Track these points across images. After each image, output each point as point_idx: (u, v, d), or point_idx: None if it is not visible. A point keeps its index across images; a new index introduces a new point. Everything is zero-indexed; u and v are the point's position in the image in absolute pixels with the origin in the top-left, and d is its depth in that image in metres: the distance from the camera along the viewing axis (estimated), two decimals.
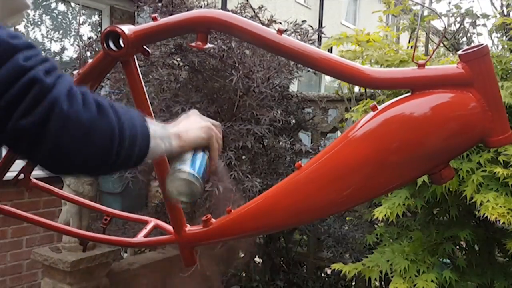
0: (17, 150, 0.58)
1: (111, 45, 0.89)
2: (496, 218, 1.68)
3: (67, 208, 2.81)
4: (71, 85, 0.59)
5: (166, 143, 0.75)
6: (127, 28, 0.87)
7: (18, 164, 1.26)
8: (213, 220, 1.07)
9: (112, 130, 0.61)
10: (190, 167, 0.78)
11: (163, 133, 0.75)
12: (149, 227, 1.30)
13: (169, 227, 1.19)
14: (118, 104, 0.67)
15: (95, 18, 4.05)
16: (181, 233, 1.13)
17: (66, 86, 0.57)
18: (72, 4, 3.87)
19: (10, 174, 1.22)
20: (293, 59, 0.88)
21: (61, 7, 3.88)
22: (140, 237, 1.25)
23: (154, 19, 0.89)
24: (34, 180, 1.31)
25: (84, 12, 3.98)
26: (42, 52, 0.60)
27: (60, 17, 3.87)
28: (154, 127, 0.73)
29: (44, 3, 3.75)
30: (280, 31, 0.83)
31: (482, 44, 0.79)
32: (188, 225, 1.14)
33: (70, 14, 3.94)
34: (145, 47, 0.92)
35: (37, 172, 1.30)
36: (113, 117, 0.62)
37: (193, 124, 0.82)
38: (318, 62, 0.83)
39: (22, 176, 1.27)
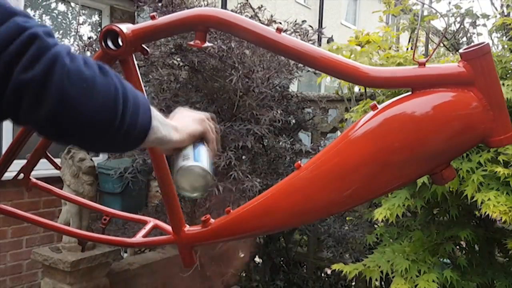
0: (19, 109, 0.55)
1: (110, 44, 0.88)
2: (497, 215, 1.67)
3: (67, 208, 2.80)
4: (71, 49, 0.58)
5: (166, 130, 0.74)
6: (125, 27, 0.86)
7: (18, 164, 1.26)
8: (212, 220, 1.06)
9: (116, 90, 0.60)
10: (197, 161, 0.78)
11: (163, 120, 0.74)
12: (148, 227, 1.30)
13: (168, 227, 1.19)
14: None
15: (95, 18, 4.04)
16: (180, 233, 1.12)
17: (66, 48, 0.57)
18: (72, 4, 3.86)
19: (9, 174, 1.22)
20: (292, 57, 0.87)
21: (61, 7, 3.88)
22: (138, 237, 1.24)
23: (153, 17, 0.89)
24: (34, 180, 1.31)
25: (84, 12, 3.98)
26: None
27: (60, 17, 3.87)
28: (155, 110, 0.72)
29: (44, 3, 3.75)
30: (279, 30, 0.83)
31: (484, 43, 0.79)
32: (187, 225, 1.14)
33: (70, 14, 3.94)
34: (144, 46, 0.92)
35: (36, 172, 1.30)
36: (116, 80, 0.61)
37: (187, 118, 0.82)
38: (317, 61, 0.83)
39: (21, 175, 1.27)
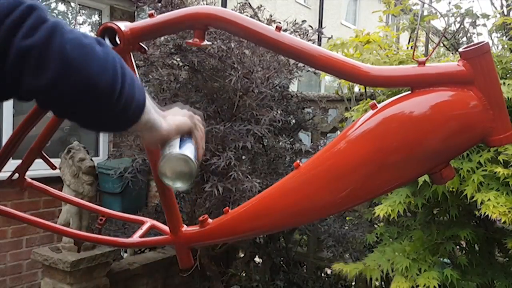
0: (22, 78, 0.55)
1: (107, 41, 0.88)
2: (497, 216, 1.67)
3: (67, 208, 2.80)
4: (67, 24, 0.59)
5: (156, 116, 0.74)
6: (123, 25, 0.86)
7: (13, 164, 1.25)
8: (210, 220, 1.06)
9: (114, 59, 0.60)
10: (181, 148, 0.77)
11: (154, 106, 0.74)
12: (145, 227, 1.29)
13: (165, 228, 1.18)
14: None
15: (95, 18, 4.05)
16: (177, 234, 1.12)
17: (64, 21, 0.58)
18: (72, 4, 3.86)
19: (3, 174, 1.20)
20: (291, 56, 0.87)
21: (61, 7, 3.88)
22: (135, 238, 1.24)
23: (151, 15, 0.88)
24: (29, 180, 1.30)
25: (84, 12, 3.98)
26: None
27: (60, 17, 3.87)
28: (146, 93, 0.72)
29: (44, 3, 3.75)
30: (278, 28, 0.83)
31: (483, 42, 0.79)
32: (185, 226, 1.13)
33: (70, 14, 3.94)
34: (142, 44, 0.91)
35: (32, 172, 1.29)
36: (113, 52, 0.62)
37: (176, 112, 0.83)
38: (317, 59, 0.83)
39: (16, 175, 1.25)
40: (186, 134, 0.81)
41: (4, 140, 3.35)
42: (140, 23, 0.89)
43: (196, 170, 0.77)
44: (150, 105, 0.71)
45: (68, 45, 0.55)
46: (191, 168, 0.76)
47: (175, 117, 0.80)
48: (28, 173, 1.29)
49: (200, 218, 1.06)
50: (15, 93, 0.58)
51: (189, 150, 0.78)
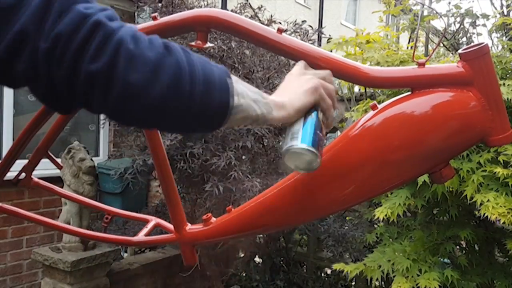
0: (93, 100, 0.56)
1: None
2: (496, 217, 1.68)
3: (68, 208, 2.81)
4: (136, 30, 0.58)
5: (262, 108, 0.68)
6: None
7: (19, 164, 1.26)
8: (213, 219, 1.07)
9: (180, 67, 0.58)
10: (302, 141, 0.70)
11: (257, 98, 0.68)
12: (150, 225, 1.30)
13: (170, 226, 1.19)
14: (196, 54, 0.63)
15: None
16: (181, 232, 1.13)
17: (130, 30, 0.57)
18: None
19: (10, 174, 1.22)
20: (293, 58, 0.87)
21: None
22: (141, 236, 1.25)
23: (154, 18, 0.89)
24: (36, 179, 1.31)
25: None
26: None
27: None
28: (242, 86, 0.66)
29: None
30: (280, 30, 0.83)
31: (483, 43, 0.79)
32: (189, 224, 1.14)
33: None
34: None
35: (38, 172, 1.30)
36: (183, 56, 0.59)
37: (296, 89, 0.74)
38: (317, 61, 0.83)
39: (23, 175, 1.27)
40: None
41: (5, 140, 3.36)
42: (143, 25, 0.90)
43: (317, 159, 0.71)
44: (248, 98, 0.66)
45: (130, 69, 0.55)
46: (311, 162, 0.72)
47: (295, 98, 0.72)
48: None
49: (204, 217, 1.07)
50: (88, 110, 0.59)
51: (310, 136, 0.71)
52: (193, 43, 0.85)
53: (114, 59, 0.54)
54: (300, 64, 0.80)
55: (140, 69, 0.55)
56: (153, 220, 1.33)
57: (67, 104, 0.59)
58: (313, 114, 0.73)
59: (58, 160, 1.35)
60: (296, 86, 0.74)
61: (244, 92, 0.65)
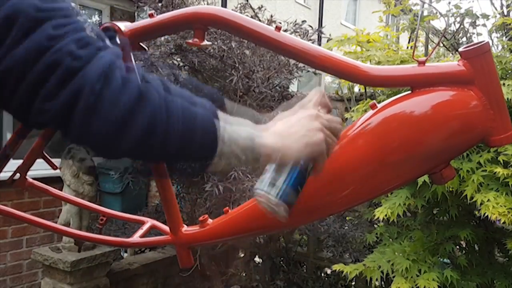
0: (47, 128, 0.54)
1: (107, 42, 0.88)
2: (496, 217, 1.67)
3: (67, 208, 2.80)
4: (111, 61, 0.50)
5: (248, 156, 0.60)
6: (123, 25, 0.86)
7: (14, 163, 1.25)
8: (210, 220, 1.06)
9: (154, 119, 0.51)
10: (276, 194, 0.63)
11: (245, 143, 0.59)
12: (145, 227, 1.29)
13: (166, 227, 1.18)
14: (182, 91, 0.56)
15: (95, 18, 4.04)
16: (177, 233, 1.12)
17: (103, 63, 0.49)
18: (72, 4, 3.86)
19: (5, 174, 1.20)
20: (291, 56, 0.87)
21: None
22: (136, 237, 1.24)
23: (151, 16, 0.88)
24: (30, 180, 1.30)
25: (84, 12, 3.98)
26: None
27: None
28: (232, 131, 0.58)
29: None
30: (278, 28, 0.83)
31: (483, 41, 0.79)
32: (185, 225, 1.14)
33: None
34: (142, 44, 0.91)
35: (33, 172, 1.29)
36: (161, 105, 0.52)
37: (297, 134, 0.62)
38: (317, 59, 0.83)
39: (18, 175, 1.26)
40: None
41: (5, 140, 3.35)
42: (140, 23, 0.89)
43: (283, 214, 0.65)
44: (237, 146, 0.58)
45: (93, 114, 0.48)
46: (280, 213, 0.65)
47: (290, 148, 0.62)
48: (28, 173, 1.29)
49: (200, 218, 1.06)
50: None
51: (284, 187, 0.64)
52: (190, 41, 0.84)
53: (74, 101, 0.47)
54: (315, 101, 0.67)
55: (104, 119, 0.48)
56: (149, 222, 1.32)
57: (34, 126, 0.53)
58: (302, 165, 0.65)
59: (56, 160, 1.34)
60: (298, 128, 0.63)
61: (232, 139, 0.58)
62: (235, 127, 0.60)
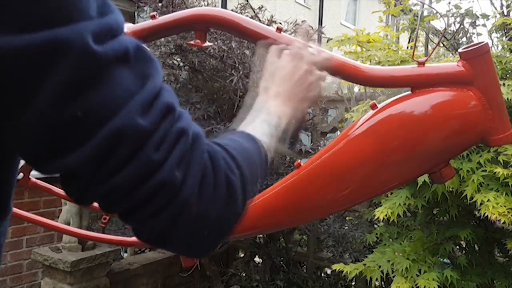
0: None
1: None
2: (496, 217, 1.68)
3: (67, 208, 2.81)
4: (203, 169, 0.48)
5: (279, 135, 0.66)
6: (125, 27, 0.86)
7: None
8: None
9: (238, 215, 0.53)
10: None
11: (273, 133, 0.65)
12: None
13: None
14: (239, 146, 0.56)
15: None
16: None
17: (197, 178, 0.47)
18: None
19: None
20: None
21: None
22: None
23: (153, 17, 0.89)
24: (34, 179, 1.31)
25: None
26: (174, 105, 0.48)
27: None
28: (268, 141, 0.63)
29: None
30: (279, 29, 0.83)
31: (483, 42, 0.79)
32: None
33: None
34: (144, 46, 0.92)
35: (35, 172, 1.29)
36: (243, 192, 0.53)
37: (299, 94, 0.70)
38: None
39: (21, 175, 1.26)
40: None
41: None
42: (142, 24, 0.89)
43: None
44: (273, 145, 0.64)
45: (191, 230, 0.49)
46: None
47: (298, 106, 0.69)
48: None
49: None
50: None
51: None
52: (191, 42, 0.85)
53: (174, 223, 0.47)
54: (301, 46, 0.74)
55: (199, 231, 0.49)
56: None
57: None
58: None
59: None
60: (301, 92, 0.71)
61: (271, 145, 0.64)
62: (259, 129, 0.64)
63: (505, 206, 1.68)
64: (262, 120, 0.65)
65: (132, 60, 0.44)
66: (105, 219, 1.32)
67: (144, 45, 0.48)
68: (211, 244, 0.53)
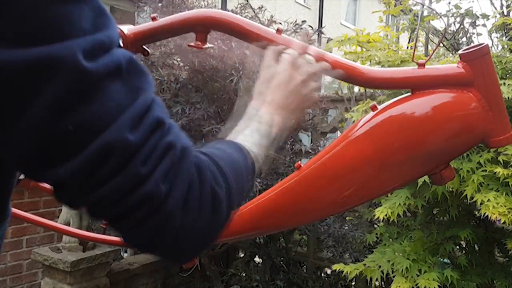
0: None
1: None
2: (496, 217, 1.68)
3: (67, 208, 2.81)
4: (189, 183, 0.49)
5: (269, 143, 0.67)
6: (126, 28, 0.87)
7: None
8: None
9: (222, 226, 0.55)
10: None
11: (264, 143, 0.67)
12: None
13: None
14: (227, 156, 0.57)
15: None
16: None
17: (183, 191, 0.48)
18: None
19: None
20: None
21: None
22: None
23: (153, 19, 0.89)
24: None
25: None
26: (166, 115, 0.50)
27: None
28: (257, 151, 0.64)
29: None
30: (279, 31, 0.83)
31: (483, 44, 0.79)
32: None
33: None
34: (144, 47, 0.92)
35: None
36: (228, 205, 0.54)
37: (293, 103, 0.71)
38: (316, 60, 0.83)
39: (22, 176, 1.26)
40: None
41: None
42: (142, 26, 0.89)
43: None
44: (262, 154, 0.65)
45: (174, 242, 0.50)
46: None
47: (284, 121, 0.71)
48: None
49: None
50: None
51: None
52: (192, 44, 0.85)
53: (156, 234, 0.48)
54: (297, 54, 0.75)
55: (183, 243, 0.51)
56: None
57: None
58: None
59: None
60: (296, 102, 0.72)
61: (259, 155, 0.65)
62: (249, 138, 0.65)
63: (505, 206, 1.68)
64: (253, 130, 0.67)
65: (124, 73, 0.44)
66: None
67: (137, 58, 0.48)
68: (195, 252, 0.54)
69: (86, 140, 0.41)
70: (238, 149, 0.62)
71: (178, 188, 0.48)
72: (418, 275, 1.95)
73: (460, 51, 0.81)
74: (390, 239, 2.29)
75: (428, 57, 0.95)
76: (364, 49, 2.59)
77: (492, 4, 2.81)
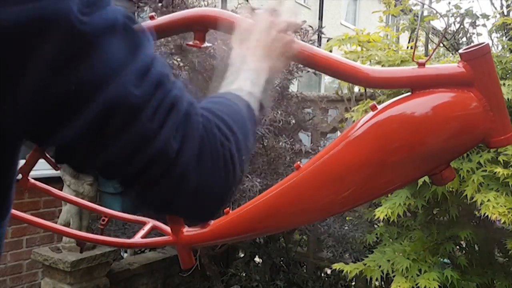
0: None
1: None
2: (496, 217, 1.67)
3: (67, 208, 2.80)
4: (199, 142, 0.48)
5: (263, 87, 0.67)
6: None
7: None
8: (211, 221, 1.06)
9: (236, 181, 0.54)
10: None
11: (257, 88, 0.66)
12: (147, 228, 1.30)
13: (167, 228, 1.19)
14: (230, 109, 0.57)
15: None
16: (179, 234, 1.12)
17: (194, 151, 0.47)
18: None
19: None
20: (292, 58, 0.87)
21: None
22: (137, 238, 1.25)
23: (152, 18, 0.88)
24: (32, 180, 1.30)
25: None
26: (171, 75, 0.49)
27: None
28: (254, 100, 0.63)
29: None
30: None
31: (483, 43, 0.79)
32: (186, 226, 1.14)
33: None
34: None
35: (35, 172, 1.29)
36: (240, 163, 0.53)
37: (276, 51, 0.71)
38: (317, 61, 0.83)
39: (20, 176, 1.26)
40: None
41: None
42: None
43: None
44: (256, 98, 0.64)
45: (190, 201, 0.50)
46: None
47: (275, 65, 0.71)
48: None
49: None
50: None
51: None
52: (190, 43, 0.84)
53: (171, 195, 0.48)
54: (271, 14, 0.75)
55: (198, 202, 0.50)
56: (150, 223, 1.32)
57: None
58: None
59: None
60: (278, 50, 0.72)
61: (253, 103, 0.64)
62: (243, 87, 0.64)
63: (505, 206, 1.68)
64: (244, 78, 0.66)
65: (121, 30, 0.43)
66: (103, 220, 1.32)
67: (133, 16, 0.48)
68: (214, 209, 0.54)
69: (90, 97, 0.40)
70: (238, 99, 0.60)
71: (189, 144, 0.47)
72: (418, 275, 1.94)
73: (460, 50, 0.81)
74: (390, 239, 2.29)
75: (428, 56, 0.95)
76: (364, 49, 2.58)
77: (492, 4, 2.81)
